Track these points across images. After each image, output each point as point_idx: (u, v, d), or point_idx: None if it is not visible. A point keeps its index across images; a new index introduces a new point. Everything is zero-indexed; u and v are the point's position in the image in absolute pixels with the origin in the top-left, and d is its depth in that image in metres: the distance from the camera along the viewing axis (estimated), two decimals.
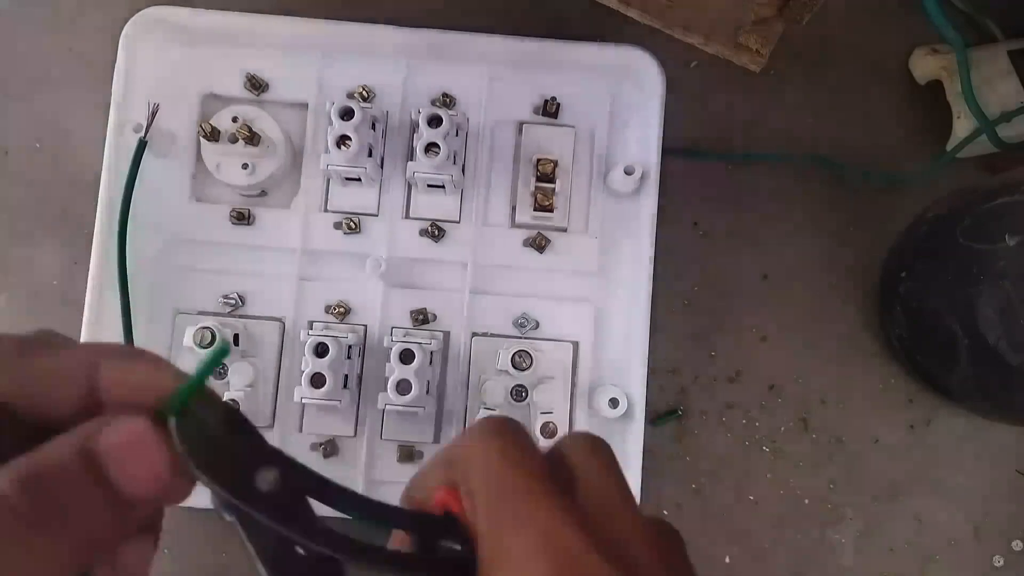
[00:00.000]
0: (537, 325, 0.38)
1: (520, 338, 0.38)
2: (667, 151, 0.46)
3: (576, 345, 0.38)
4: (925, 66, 0.45)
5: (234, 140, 0.37)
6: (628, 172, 0.36)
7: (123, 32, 0.38)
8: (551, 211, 0.38)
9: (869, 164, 0.46)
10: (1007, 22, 0.45)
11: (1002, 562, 0.43)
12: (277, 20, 0.39)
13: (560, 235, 0.38)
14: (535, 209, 0.38)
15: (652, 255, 0.38)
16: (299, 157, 0.39)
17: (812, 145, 0.46)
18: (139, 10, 0.40)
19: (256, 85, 0.39)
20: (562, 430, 0.36)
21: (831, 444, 0.44)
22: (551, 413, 0.36)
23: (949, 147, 0.43)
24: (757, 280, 0.45)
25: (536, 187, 0.38)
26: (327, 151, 0.36)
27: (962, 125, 0.42)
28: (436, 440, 0.37)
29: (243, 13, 0.39)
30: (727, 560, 0.43)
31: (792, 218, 0.46)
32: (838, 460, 0.44)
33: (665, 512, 0.43)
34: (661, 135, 0.39)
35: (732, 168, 0.46)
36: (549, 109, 0.39)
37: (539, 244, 0.38)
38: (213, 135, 0.37)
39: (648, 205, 0.38)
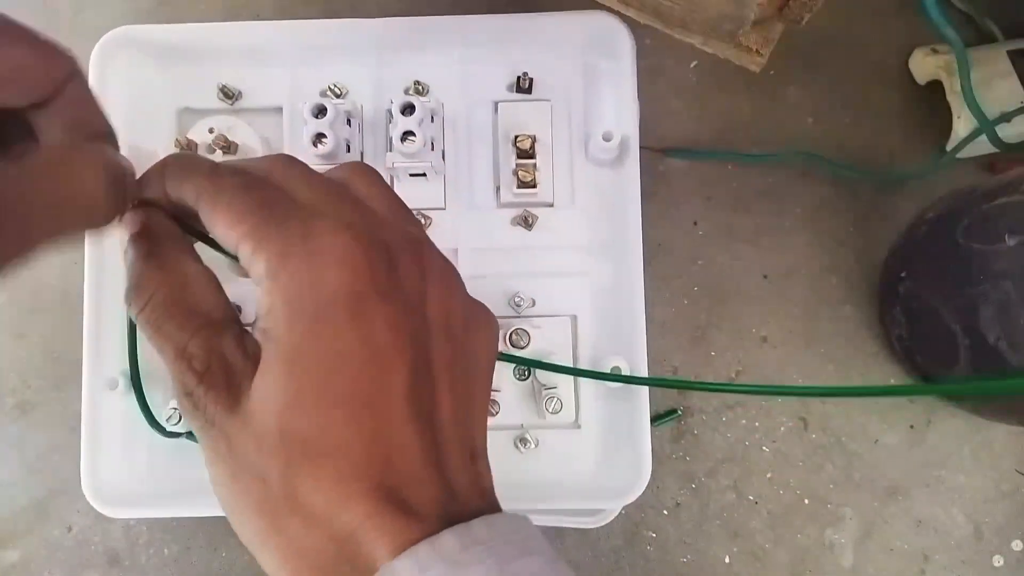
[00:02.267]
0: (533, 303, 0.38)
1: (518, 317, 0.38)
2: (667, 151, 0.46)
3: (574, 319, 0.38)
4: (925, 66, 0.45)
5: (212, 151, 0.37)
6: (607, 139, 0.36)
7: (92, 55, 0.37)
8: (535, 187, 0.37)
9: (869, 164, 0.46)
10: (1007, 22, 0.45)
11: (1002, 562, 0.43)
12: (242, 26, 0.38)
13: (547, 210, 0.38)
14: (518, 187, 0.38)
15: (640, 221, 0.37)
16: None
17: (812, 145, 0.46)
18: (138, 10, 0.39)
19: (229, 95, 0.38)
20: (567, 404, 0.36)
21: (831, 444, 0.44)
22: (555, 388, 0.36)
23: (949, 147, 0.43)
24: (757, 280, 0.45)
25: (517, 164, 0.38)
26: (305, 151, 0.36)
27: (962, 125, 0.42)
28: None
29: (209, 23, 0.38)
30: (727, 560, 0.43)
31: (792, 218, 0.46)
32: (838, 460, 0.44)
33: (664, 512, 0.44)
34: (636, 99, 0.38)
35: (732, 168, 0.46)
36: (522, 85, 0.39)
37: (527, 222, 0.38)
38: (191, 148, 0.37)
39: (631, 171, 0.38)
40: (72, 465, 0.44)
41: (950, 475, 0.44)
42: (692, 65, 0.46)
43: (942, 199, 0.40)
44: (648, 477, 0.35)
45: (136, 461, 0.37)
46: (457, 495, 0.22)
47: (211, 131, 0.37)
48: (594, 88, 0.39)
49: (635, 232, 0.37)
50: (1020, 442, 0.44)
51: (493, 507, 0.23)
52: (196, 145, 0.37)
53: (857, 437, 0.44)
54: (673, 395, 0.44)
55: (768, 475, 0.44)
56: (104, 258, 0.37)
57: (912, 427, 0.45)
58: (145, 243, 0.25)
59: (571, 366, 0.36)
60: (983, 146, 0.42)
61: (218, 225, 0.24)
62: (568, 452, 0.37)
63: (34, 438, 0.44)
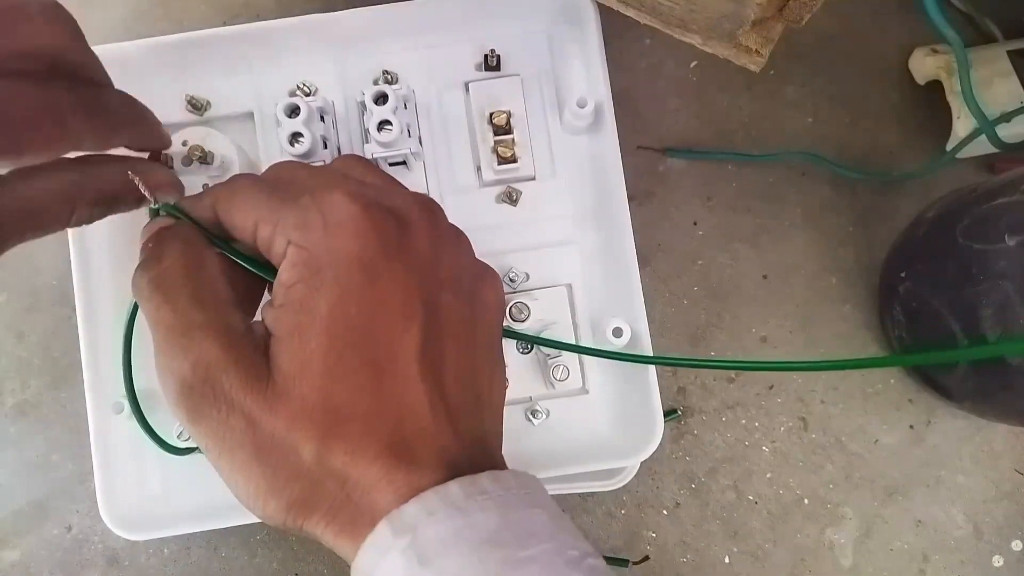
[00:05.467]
0: (528, 277, 0.38)
1: (515, 292, 0.38)
2: (667, 151, 0.46)
3: (569, 287, 0.38)
4: (925, 66, 0.45)
5: (188, 163, 0.37)
6: (581, 105, 0.36)
7: None
8: (515, 162, 0.38)
9: (869, 164, 0.46)
10: (1007, 22, 0.45)
11: (1002, 562, 0.43)
12: (201, 35, 0.37)
13: (530, 184, 0.38)
14: (499, 163, 0.38)
15: (623, 183, 0.37)
16: (256, 165, 0.39)
17: (812, 145, 0.46)
18: (138, 10, 0.39)
19: (197, 106, 0.38)
20: (573, 370, 0.36)
21: (831, 444, 0.44)
22: (560, 356, 0.36)
23: (949, 147, 0.43)
24: (757, 280, 0.45)
25: (495, 141, 0.38)
26: (282, 152, 0.36)
27: (962, 125, 0.42)
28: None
29: (168, 35, 0.38)
30: (727, 560, 0.43)
31: (792, 218, 0.46)
32: (838, 460, 0.44)
33: (664, 512, 0.44)
34: (605, 64, 0.38)
35: (732, 168, 0.46)
36: (490, 63, 0.39)
37: (511, 198, 0.38)
38: (167, 163, 0.37)
39: (608, 135, 0.38)
40: (72, 465, 0.44)
41: (950, 475, 0.44)
42: (692, 65, 0.46)
43: (942, 199, 0.40)
44: (661, 429, 0.35)
45: (151, 482, 0.36)
46: (463, 441, 0.23)
47: (185, 144, 0.37)
48: (562, 57, 0.39)
49: (619, 194, 0.37)
50: (1020, 442, 0.44)
51: (495, 453, 0.25)
52: (172, 159, 0.37)
53: (857, 437, 0.44)
54: (673, 395, 0.45)
55: (768, 475, 0.44)
56: (94, 287, 0.37)
57: (912, 427, 0.45)
58: (167, 227, 0.26)
59: (576, 343, 0.37)
60: (983, 146, 0.42)
61: (236, 216, 0.25)
62: (580, 417, 0.37)
63: (34, 438, 0.44)
